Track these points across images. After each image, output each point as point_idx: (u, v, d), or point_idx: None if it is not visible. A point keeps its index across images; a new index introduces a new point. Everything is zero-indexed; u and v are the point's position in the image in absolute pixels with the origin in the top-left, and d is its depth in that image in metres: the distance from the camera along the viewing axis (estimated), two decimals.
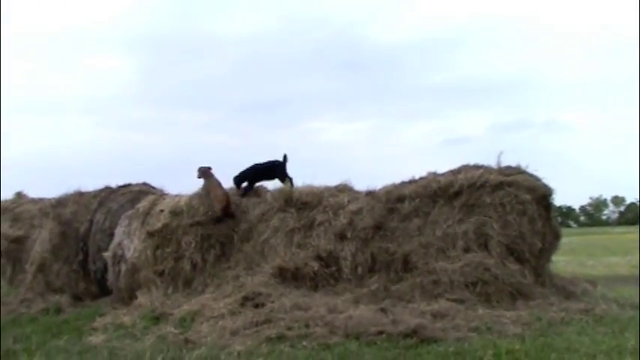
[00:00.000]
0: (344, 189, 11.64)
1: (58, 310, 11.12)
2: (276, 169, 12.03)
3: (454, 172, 10.96)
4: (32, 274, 13.01)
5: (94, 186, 14.06)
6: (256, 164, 12.17)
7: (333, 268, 10.26)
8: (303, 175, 11.93)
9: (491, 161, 11.15)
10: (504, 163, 11.08)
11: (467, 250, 9.89)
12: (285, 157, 12.03)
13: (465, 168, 11.05)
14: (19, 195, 15.85)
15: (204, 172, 11.96)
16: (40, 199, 15.01)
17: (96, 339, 8.75)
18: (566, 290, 10.22)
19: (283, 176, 11.91)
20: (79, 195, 13.87)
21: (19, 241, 13.96)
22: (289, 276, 10.09)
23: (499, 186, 10.38)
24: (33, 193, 15.80)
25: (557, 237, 10.81)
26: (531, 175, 10.80)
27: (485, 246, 9.94)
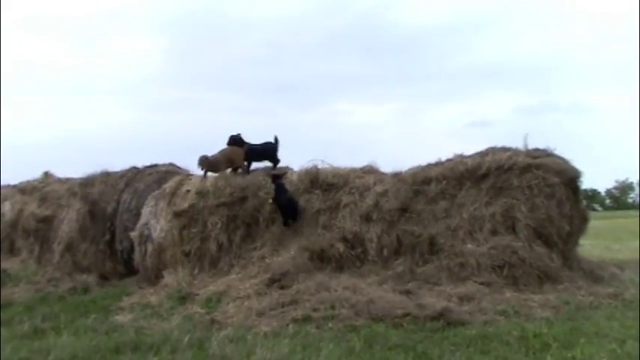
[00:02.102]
0: (370, 171, 11.58)
1: (86, 290, 11.25)
2: (267, 150, 12.11)
3: (481, 155, 10.82)
4: (60, 253, 13.18)
5: (121, 166, 14.16)
6: (251, 145, 12.23)
7: (359, 250, 10.23)
8: (329, 156, 11.86)
9: (516, 144, 11.00)
10: (531, 145, 10.93)
11: (494, 232, 9.79)
12: (276, 138, 12.07)
13: (492, 150, 10.91)
14: (47, 175, 15.99)
15: (203, 162, 12.07)
16: (68, 179, 15.13)
17: (123, 318, 8.85)
18: (594, 274, 10.10)
19: (274, 158, 12.04)
20: (106, 175, 13.98)
21: (46, 221, 14.11)
22: (315, 257, 10.08)
23: (527, 168, 10.24)
24: (62, 173, 15.94)
25: (584, 220, 10.71)
26: (560, 158, 10.65)
27: (512, 229, 9.83)
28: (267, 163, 12.28)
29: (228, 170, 12.17)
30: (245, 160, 12.21)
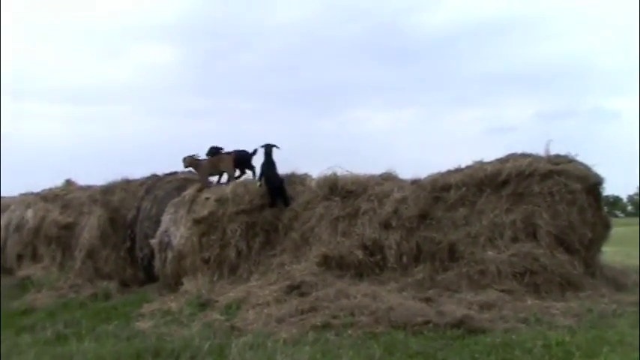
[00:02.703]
0: (389, 177, 11.55)
1: (107, 296, 11.35)
2: (241, 159, 12.54)
3: (501, 161, 10.75)
4: (81, 260, 13.30)
5: (141, 174, 14.27)
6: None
7: (378, 257, 10.19)
8: (348, 163, 11.86)
9: (536, 149, 10.93)
10: (552, 151, 10.84)
11: (515, 240, 9.70)
12: (255, 150, 12.36)
13: (512, 156, 10.83)
14: (69, 182, 16.14)
15: (191, 162, 12.83)
16: (89, 187, 15.27)
17: (144, 325, 8.91)
18: (617, 282, 9.98)
19: (249, 166, 12.51)
20: (127, 182, 14.12)
21: (68, 228, 14.23)
22: (334, 264, 10.08)
23: (548, 175, 10.15)
24: (82, 180, 16.08)
25: (607, 227, 10.55)
26: (581, 164, 10.55)
27: (533, 236, 9.73)
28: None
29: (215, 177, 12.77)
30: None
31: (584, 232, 9.87)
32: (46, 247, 14.44)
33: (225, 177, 12.80)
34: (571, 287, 9.15)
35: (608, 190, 11.06)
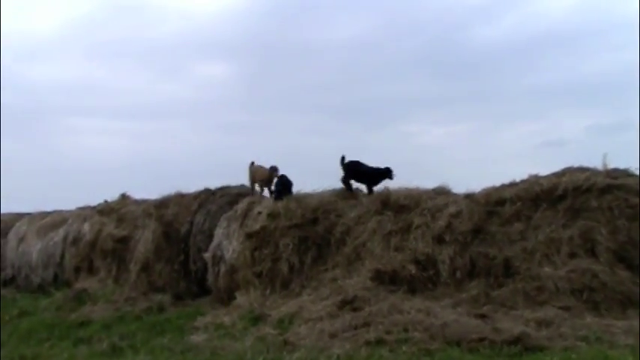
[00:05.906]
0: (442, 192, 11.42)
1: (161, 309, 11.47)
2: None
3: (557, 175, 10.54)
4: (136, 273, 13.51)
5: (194, 188, 14.46)
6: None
7: (431, 272, 10.03)
8: (400, 177, 11.80)
9: (591, 163, 10.69)
10: (609, 165, 10.57)
11: (572, 256, 9.44)
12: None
13: (569, 170, 10.61)
14: (124, 196, 16.42)
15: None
16: (144, 201, 15.51)
17: (197, 338, 8.99)
18: None
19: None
20: (180, 196, 14.32)
21: (123, 241, 14.46)
22: (387, 279, 9.97)
23: (606, 189, 9.88)
24: (137, 194, 16.34)
25: None
26: None
27: (592, 252, 9.46)
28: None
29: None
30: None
31: None
32: (102, 260, 14.70)
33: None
34: (632, 305, 8.83)
35: None
